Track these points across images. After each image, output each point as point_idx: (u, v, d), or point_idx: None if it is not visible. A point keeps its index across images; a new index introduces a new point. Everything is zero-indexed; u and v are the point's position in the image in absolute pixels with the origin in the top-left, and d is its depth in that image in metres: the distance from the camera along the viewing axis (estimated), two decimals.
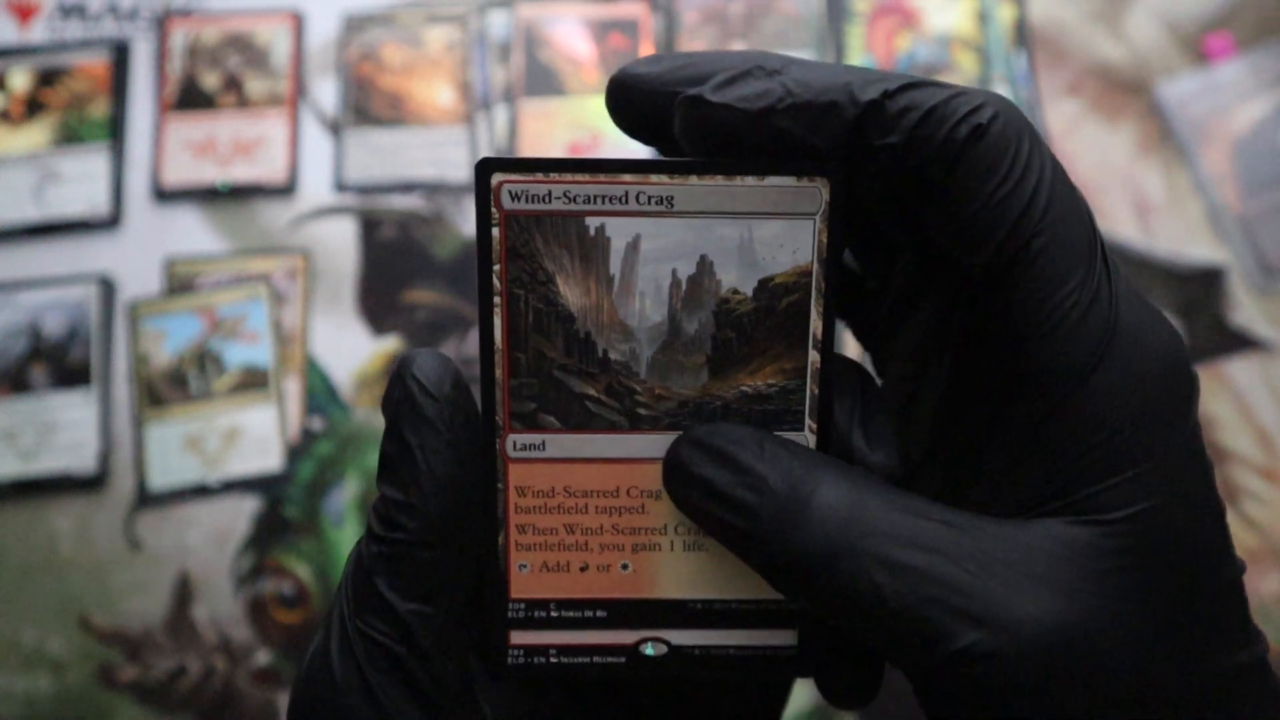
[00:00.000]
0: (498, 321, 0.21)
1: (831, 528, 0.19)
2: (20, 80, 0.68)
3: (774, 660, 0.23)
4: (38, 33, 0.69)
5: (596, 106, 0.67)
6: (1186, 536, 0.19)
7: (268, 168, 0.66)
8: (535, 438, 0.23)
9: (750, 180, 0.21)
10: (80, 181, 0.66)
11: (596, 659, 0.23)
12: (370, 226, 0.66)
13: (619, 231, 0.21)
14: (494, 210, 0.20)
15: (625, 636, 0.23)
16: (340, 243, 0.66)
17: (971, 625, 0.18)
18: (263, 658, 0.59)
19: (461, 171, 0.66)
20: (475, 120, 0.67)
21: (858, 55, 0.66)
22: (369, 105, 0.67)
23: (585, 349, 0.22)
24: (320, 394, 0.63)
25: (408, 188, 0.66)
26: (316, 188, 0.66)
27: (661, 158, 0.21)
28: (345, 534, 0.61)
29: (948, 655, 0.18)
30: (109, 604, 0.60)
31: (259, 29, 0.69)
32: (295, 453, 0.62)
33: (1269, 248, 0.63)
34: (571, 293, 0.21)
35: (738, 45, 0.67)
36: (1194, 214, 0.64)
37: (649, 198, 0.21)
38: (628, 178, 0.20)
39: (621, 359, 0.22)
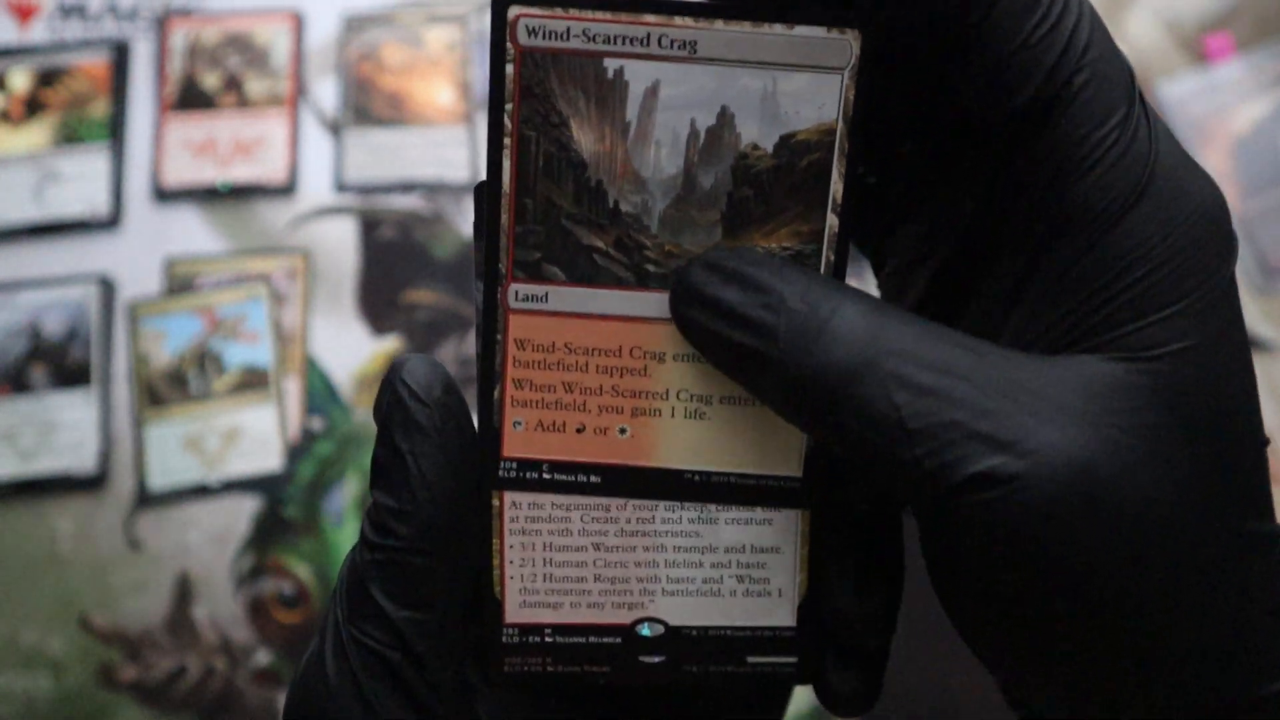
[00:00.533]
0: (506, 164, 0.20)
1: (853, 346, 0.18)
2: (20, 80, 0.68)
3: (771, 640, 0.23)
4: (38, 33, 0.69)
5: None
6: (1218, 386, 0.18)
7: (268, 168, 0.66)
8: (538, 289, 0.21)
9: (778, 28, 0.20)
10: (80, 181, 0.66)
11: (593, 639, 0.23)
12: (370, 226, 0.66)
13: (638, 75, 0.20)
14: (509, 46, 0.19)
15: (622, 601, 0.23)
16: (340, 243, 0.66)
17: (994, 449, 0.18)
18: (263, 658, 0.59)
19: (461, 171, 0.66)
20: (475, 120, 0.67)
21: None
22: (369, 105, 0.67)
23: (596, 198, 0.20)
24: (320, 394, 0.63)
25: (408, 188, 0.66)
26: (316, 188, 0.66)
27: (687, 0, 0.20)
28: (345, 534, 0.61)
29: (966, 478, 0.18)
30: (109, 604, 0.60)
31: (259, 29, 0.69)
32: (295, 453, 0.62)
33: (1269, 248, 0.63)
34: (585, 138, 0.20)
35: None
36: None
37: (671, 41, 0.20)
38: (650, 18, 0.19)
39: (633, 211, 0.21)
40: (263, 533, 0.61)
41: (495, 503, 0.22)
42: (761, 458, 0.22)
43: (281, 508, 0.61)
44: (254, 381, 0.63)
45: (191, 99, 0.68)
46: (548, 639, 0.23)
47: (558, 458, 0.22)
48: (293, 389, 0.63)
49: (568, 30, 0.19)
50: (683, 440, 0.22)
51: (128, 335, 0.63)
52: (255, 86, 0.68)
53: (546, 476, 0.23)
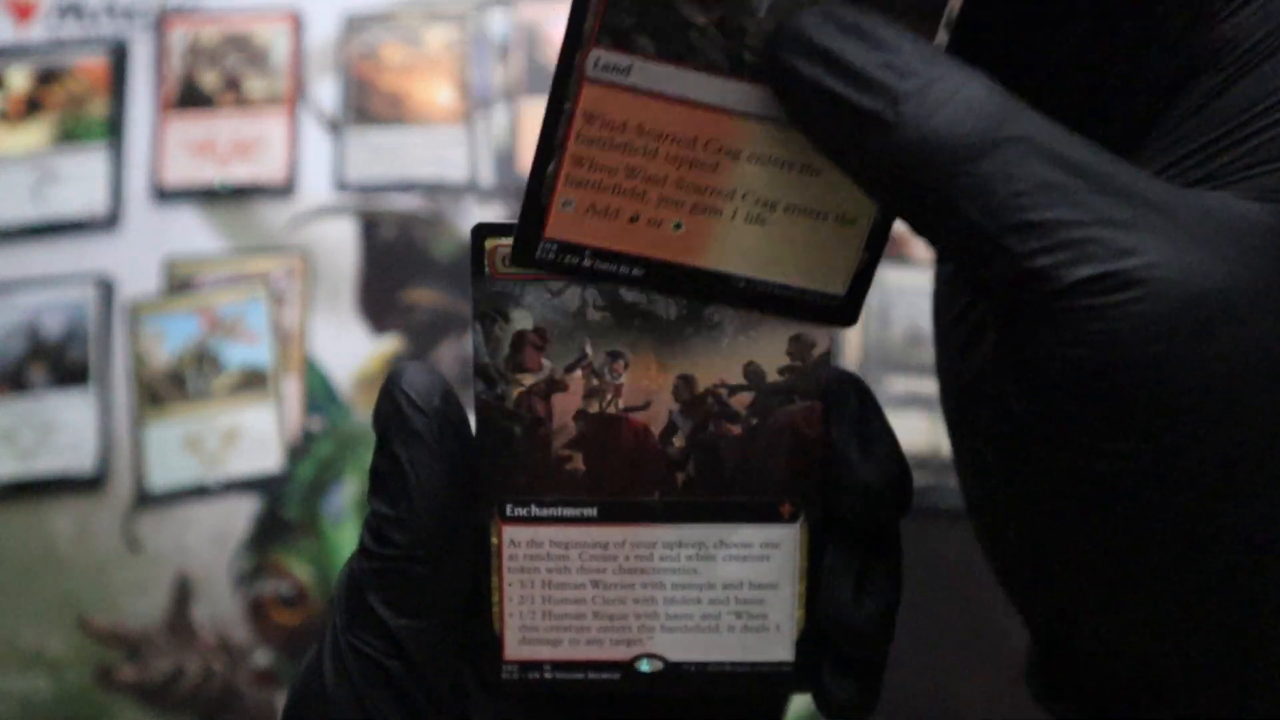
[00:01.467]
0: None
1: (980, 122, 0.17)
2: (19, 80, 0.68)
3: (770, 676, 0.23)
4: (36, 32, 0.69)
5: None
6: None
7: (267, 167, 0.66)
8: (623, 59, 0.20)
9: None
10: (79, 181, 0.66)
11: (592, 675, 0.23)
12: (370, 226, 0.66)
13: None
14: None
15: (621, 637, 0.23)
16: (340, 243, 0.66)
17: (1115, 255, 0.16)
18: (262, 658, 0.59)
19: (461, 171, 0.66)
20: (475, 120, 0.67)
21: None
22: (369, 105, 0.67)
23: None
24: (319, 394, 0.63)
25: (407, 187, 0.66)
26: (316, 187, 0.66)
27: None
28: (345, 534, 0.61)
29: (1081, 280, 0.16)
30: (108, 604, 0.60)
31: (258, 28, 0.69)
32: (295, 453, 0.62)
33: None
34: None
35: None
36: None
37: None
38: None
39: None
40: (262, 533, 0.61)
41: (494, 540, 0.22)
42: (811, 272, 0.21)
43: (281, 508, 0.61)
44: (253, 381, 0.63)
45: (191, 99, 0.68)
46: (547, 675, 0.23)
47: (603, 245, 0.21)
48: (292, 389, 0.63)
49: None
50: (737, 244, 0.21)
51: (127, 335, 0.63)
52: (255, 86, 0.68)
53: (587, 264, 0.21)
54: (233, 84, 0.68)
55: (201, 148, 0.67)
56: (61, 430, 0.62)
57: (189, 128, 0.67)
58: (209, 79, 0.68)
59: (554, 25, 0.68)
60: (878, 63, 0.18)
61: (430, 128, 0.67)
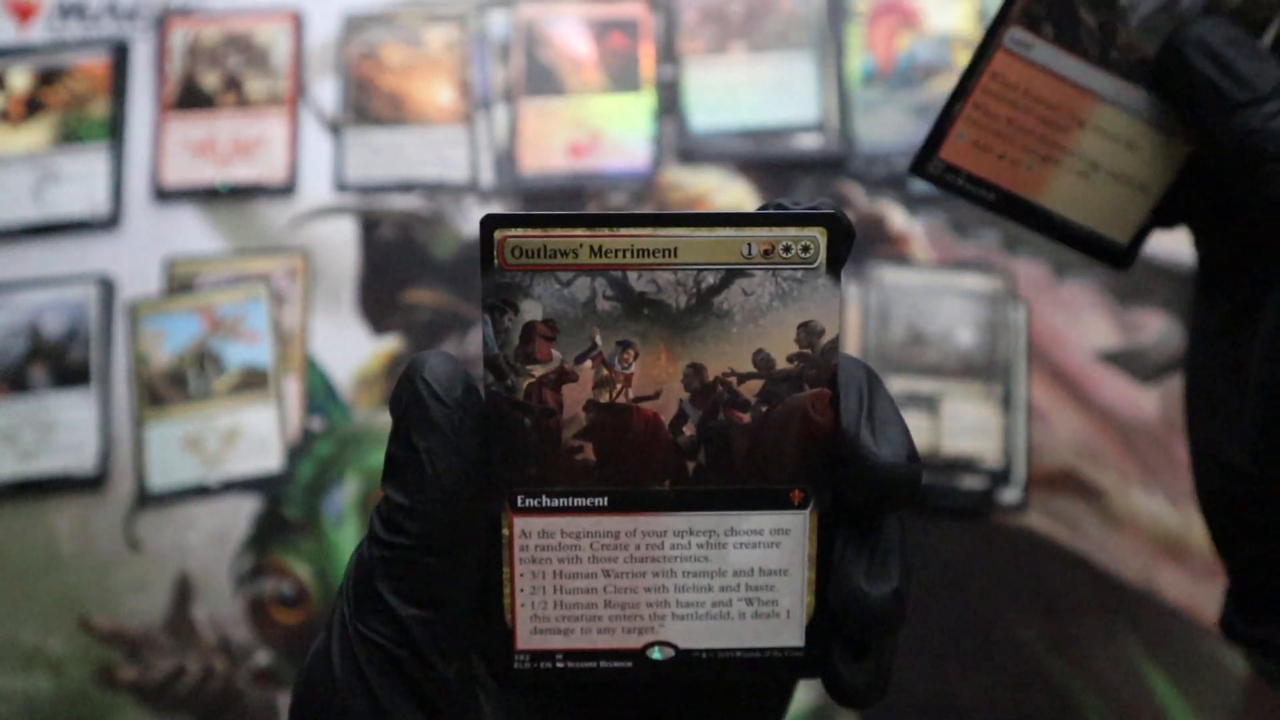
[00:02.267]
0: None
1: None
2: (20, 80, 0.68)
3: (780, 662, 0.23)
4: (37, 32, 0.69)
5: (596, 106, 0.67)
6: None
7: (267, 168, 0.66)
8: (1030, 39, 0.28)
9: None
10: (80, 181, 0.66)
11: (604, 663, 0.23)
12: (370, 226, 0.66)
13: None
14: None
15: (633, 626, 0.23)
16: (340, 243, 0.66)
17: None
18: (263, 658, 0.59)
19: (462, 171, 0.66)
20: (475, 120, 0.67)
21: (857, 55, 0.66)
22: (369, 105, 0.67)
23: None
24: (320, 394, 0.63)
25: (408, 188, 0.66)
26: (316, 188, 0.66)
27: None
28: (345, 534, 0.61)
29: None
30: (109, 604, 0.60)
31: (259, 29, 0.69)
32: (295, 453, 0.62)
33: None
34: None
35: (738, 45, 0.67)
36: None
37: None
38: None
39: (1127, 4, 0.28)
40: (262, 533, 0.61)
41: (505, 531, 0.22)
42: (1108, 222, 0.30)
43: (281, 508, 0.61)
44: (254, 381, 0.63)
45: (191, 99, 0.68)
46: (559, 664, 0.23)
47: (975, 172, 0.29)
48: (292, 389, 0.63)
49: None
50: (1064, 189, 0.30)
51: (127, 335, 0.63)
52: (255, 86, 0.68)
53: (960, 184, 0.29)
54: (233, 84, 0.68)
55: (202, 148, 0.67)
56: (62, 430, 0.62)
57: (189, 128, 0.67)
58: (209, 79, 0.68)
59: (554, 25, 0.68)
60: (1249, 70, 0.28)
61: (430, 128, 0.67)
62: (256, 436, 0.62)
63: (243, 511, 0.61)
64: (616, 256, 0.21)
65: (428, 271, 0.65)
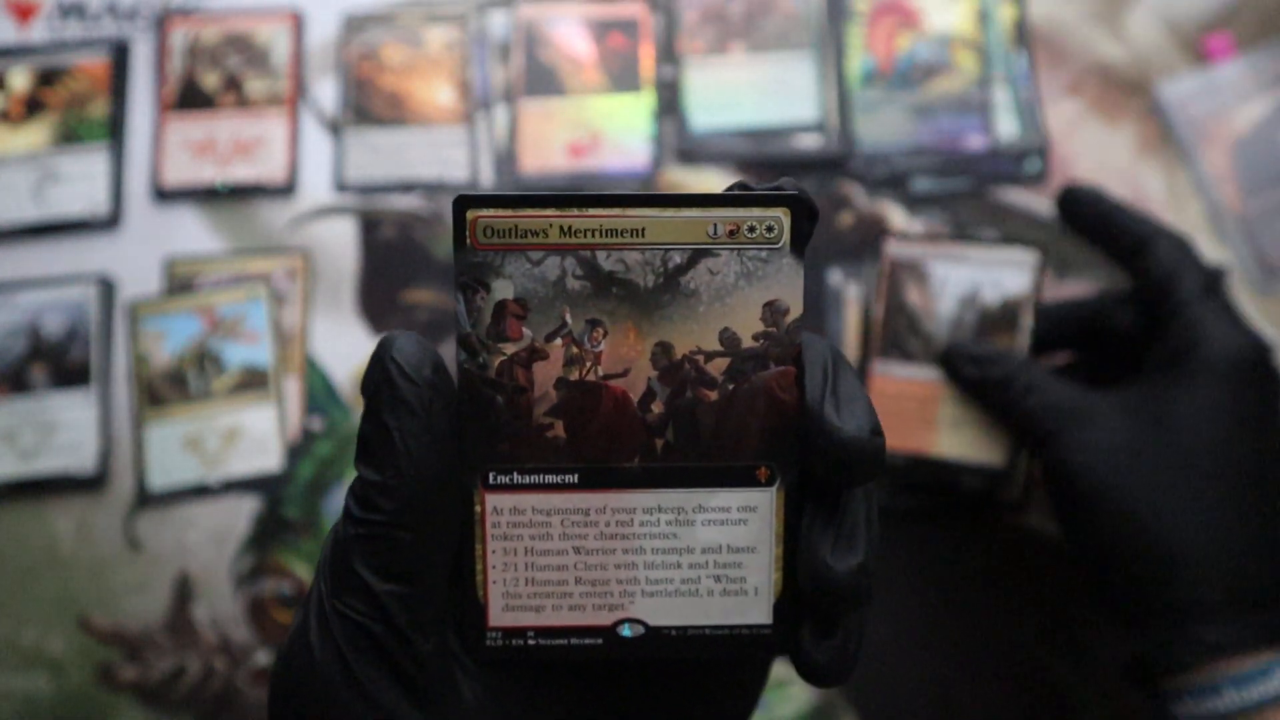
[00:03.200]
0: None
1: (1057, 402, 0.44)
2: (20, 80, 0.68)
3: (749, 639, 0.24)
4: (37, 32, 0.69)
5: (596, 106, 0.67)
6: None
7: (268, 167, 0.66)
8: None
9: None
10: (80, 181, 0.66)
11: (574, 640, 0.23)
12: (370, 226, 0.66)
13: None
14: None
15: (603, 603, 0.24)
16: (340, 243, 0.66)
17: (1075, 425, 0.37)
18: (263, 658, 0.59)
19: (462, 171, 0.66)
20: (475, 120, 0.67)
21: (857, 55, 0.66)
22: (369, 105, 0.67)
23: None
24: (320, 394, 0.63)
25: (408, 188, 0.66)
26: (316, 188, 0.66)
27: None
28: None
29: (1055, 431, 0.34)
30: (109, 604, 0.60)
31: (259, 29, 0.69)
32: (295, 453, 0.62)
33: (1269, 248, 0.63)
34: None
35: (738, 45, 0.67)
36: (1194, 214, 0.64)
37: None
38: None
39: None
40: (263, 533, 0.61)
41: (478, 508, 0.23)
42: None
43: (281, 508, 0.61)
44: (254, 381, 0.63)
45: (191, 99, 0.68)
46: (530, 642, 0.24)
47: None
48: (292, 389, 0.63)
49: None
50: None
51: (127, 335, 0.63)
52: (255, 86, 0.68)
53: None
54: (233, 84, 0.68)
55: (202, 148, 0.67)
56: (62, 430, 0.62)
57: (189, 128, 0.67)
58: (209, 79, 0.68)
59: (554, 25, 0.68)
60: (998, 374, 0.46)
61: (430, 128, 0.67)
62: (256, 436, 0.62)
63: (243, 511, 0.61)
64: (586, 236, 0.22)
65: (428, 271, 0.65)
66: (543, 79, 0.67)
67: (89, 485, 0.61)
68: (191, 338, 0.63)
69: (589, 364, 0.23)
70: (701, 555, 0.23)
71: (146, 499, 0.61)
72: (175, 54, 0.69)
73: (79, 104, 0.68)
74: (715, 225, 0.22)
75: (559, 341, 0.23)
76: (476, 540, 0.23)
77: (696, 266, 0.22)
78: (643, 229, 0.22)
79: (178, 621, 0.60)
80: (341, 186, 0.66)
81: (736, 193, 0.22)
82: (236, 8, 0.70)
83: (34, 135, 0.67)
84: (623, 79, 0.67)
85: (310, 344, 0.64)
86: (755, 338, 0.23)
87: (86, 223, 0.66)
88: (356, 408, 0.63)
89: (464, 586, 0.23)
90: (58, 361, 0.63)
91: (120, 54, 0.69)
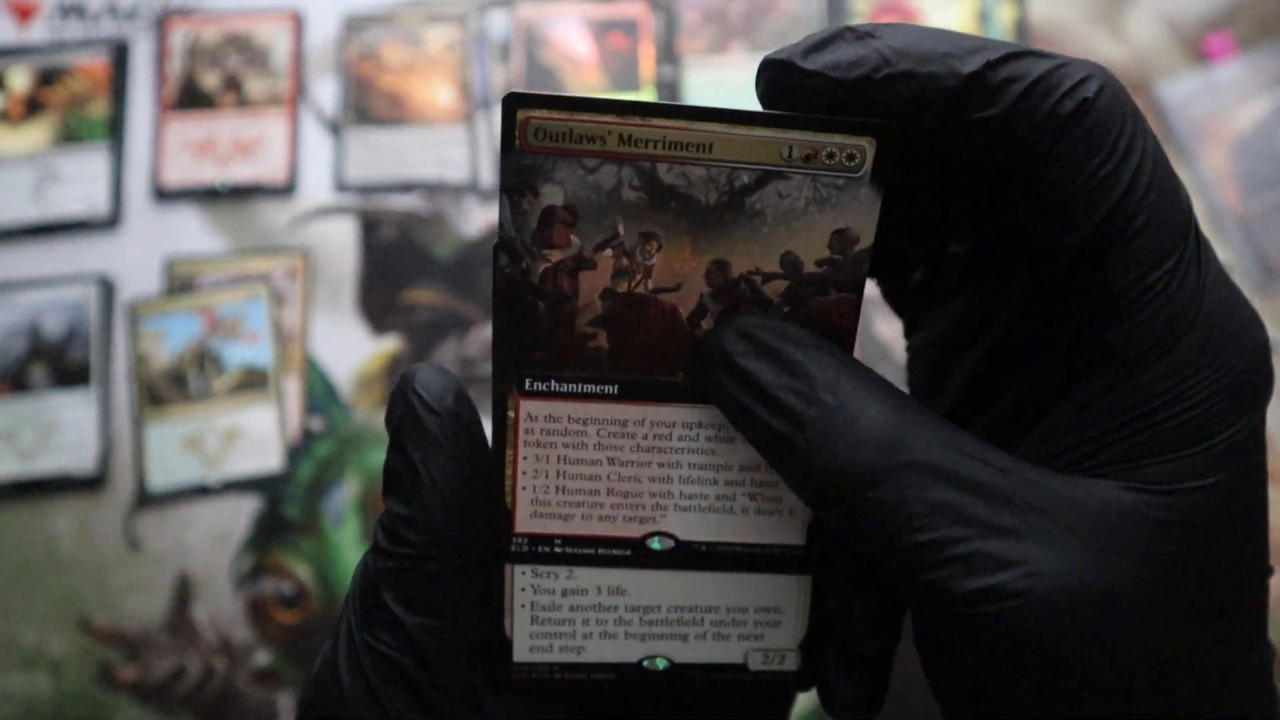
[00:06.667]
0: None
1: (875, 450, 0.19)
2: (20, 80, 0.68)
3: (780, 557, 0.23)
4: (37, 33, 0.69)
5: None
6: (1231, 524, 0.19)
7: (268, 168, 0.66)
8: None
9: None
10: (80, 181, 0.66)
11: (602, 550, 0.22)
12: (370, 226, 0.66)
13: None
14: None
15: (634, 515, 0.23)
16: (340, 243, 0.66)
17: (1000, 567, 0.18)
18: (263, 658, 0.59)
19: (462, 171, 0.66)
20: (475, 120, 0.67)
21: None
22: (369, 105, 0.67)
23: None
24: (320, 394, 0.63)
25: (408, 188, 0.66)
26: (316, 188, 0.66)
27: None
28: (345, 534, 0.61)
29: (969, 592, 0.18)
30: (109, 604, 0.60)
31: (259, 29, 0.69)
32: (295, 453, 0.62)
33: (1269, 248, 0.63)
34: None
35: (738, 45, 0.67)
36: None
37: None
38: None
39: None
40: (262, 533, 0.61)
41: (511, 414, 0.22)
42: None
43: (281, 508, 0.61)
44: (254, 381, 0.63)
45: (191, 99, 0.68)
46: (556, 549, 0.23)
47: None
48: (292, 389, 0.63)
49: None
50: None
51: (127, 335, 0.63)
52: (255, 86, 0.68)
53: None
54: (233, 84, 0.68)
55: (202, 148, 0.67)
56: (62, 430, 0.62)
57: (189, 128, 0.67)
58: (209, 79, 0.68)
59: (554, 25, 0.68)
60: (787, 387, 0.20)
61: (430, 128, 0.67)
62: (256, 436, 0.62)
63: (243, 511, 0.61)
64: (646, 147, 0.20)
65: (428, 271, 0.65)
66: (543, 79, 0.67)
67: (89, 485, 0.61)
68: (191, 338, 0.63)
69: (639, 277, 0.21)
70: (739, 473, 0.23)
71: (146, 499, 0.61)
72: (175, 54, 0.69)
73: (79, 104, 0.68)
74: (791, 148, 0.20)
75: (609, 252, 0.21)
76: (508, 446, 0.22)
77: (765, 188, 0.20)
78: (710, 144, 0.20)
79: (178, 621, 0.60)
80: (341, 186, 0.66)
81: (820, 116, 0.20)
82: (236, 8, 0.70)
83: (34, 135, 0.67)
84: (623, 79, 0.67)
85: (310, 344, 0.64)
86: (818, 264, 0.21)
87: (86, 223, 0.65)
88: (357, 407, 0.63)
89: (490, 619, 0.23)
90: (58, 361, 0.63)
91: (120, 54, 0.69)
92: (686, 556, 0.23)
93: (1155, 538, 0.18)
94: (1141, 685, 0.18)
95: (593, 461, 0.22)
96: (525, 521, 0.23)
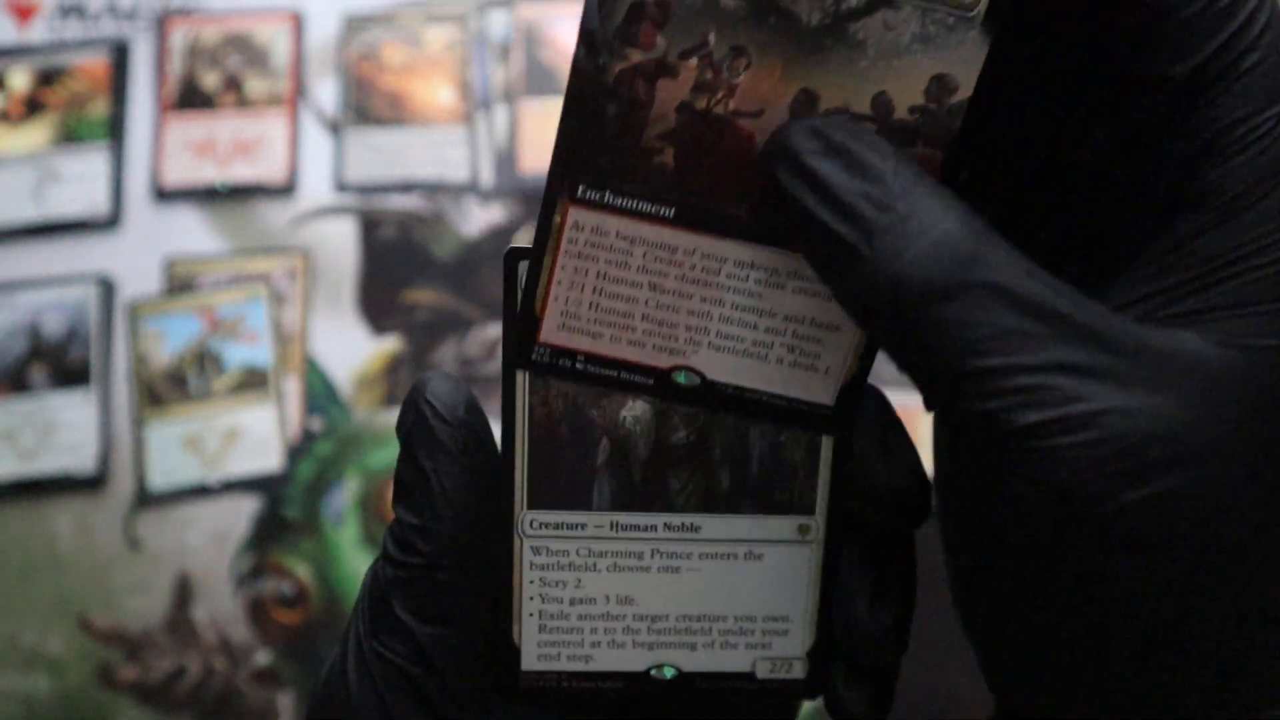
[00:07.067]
0: None
1: (950, 265, 0.17)
2: (20, 80, 0.68)
3: (806, 415, 0.22)
4: (37, 32, 0.69)
5: None
6: None
7: (267, 167, 0.66)
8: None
9: None
10: (80, 181, 0.66)
11: (624, 375, 0.21)
12: (370, 226, 0.66)
13: None
14: None
15: (665, 345, 0.22)
16: (340, 243, 0.66)
17: (1068, 400, 0.17)
18: (262, 658, 0.59)
19: (462, 171, 0.66)
20: (475, 120, 0.67)
21: None
22: (369, 105, 0.67)
23: None
24: (320, 394, 0.63)
25: (407, 188, 0.66)
26: (316, 187, 0.66)
27: None
28: (345, 534, 0.61)
29: (1031, 424, 0.17)
30: (109, 604, 0.60)
31: (259, 29, 0.69)
32: (295, 453, 0.62)
33: None
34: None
35: None
36: None
37: None
38: None
39: None
40: (262, 533, 0.61)
41: (558, 219, 0.21)
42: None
43: (281, 508, 0.61)
44: (254, 381, 0.63)
45: (191, 99, 0.68)
46: (579, 366, 0.22)
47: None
48: (292, 389, 0.63)
49: None
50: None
51: (127, 335, 0.63)
52: (255, 86, 0.68)
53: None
54: (233, 84, 0.68)
55: (202, 148, 0.67)
56: (62, 430, 0.62)
57: (189, 128, 0.67)
58: (209, 79, 0.68)
59: (554, 25, 0.68)
60: (858, 191, 0.18)
61: (430, 128, 0.67)
62: (256, 436, 0.62)
63: (243, 511, 0.61)
64: None
65: (428, 271, 0.65)
66: (543, 79, 0.67)
67: (89, 485, 0.61)
68: (191, 338, 0.63)
69: (720, 95, 0.20)
70: (782, 322, 0.21)
71: (146, 499, 0.61)
72: (175, 54, 0.69)
73: (79, 104, 0.68)
74: None
75: (693, 62, 0.19)
76: (547, 253, 0.21)
77: (872, 15, 0.19)
78: None
79: (178, 621, 0.60)
80: (341, 186, 0.66)
81: None
82: (236, 8, 0.70)
83: (34, 135, 0.67)
84: None
85: (310, 344, 0.64)
86: (911, 110, 0.19)
87: (86, 223, 0.65)
88: (356, 407, 0.63)
89: (499, 628, 0.23)
90: (58, 361, 0.63)
91: (120, 54, 0.69)
92: (710, 397, 0.22)
93: (1235, 393, 0.17)
94: (1211, 538, 0.17)
95: (633, 283, 0.21)
96: (551, 332, 0.22)
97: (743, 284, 0.21)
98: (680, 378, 0.22)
